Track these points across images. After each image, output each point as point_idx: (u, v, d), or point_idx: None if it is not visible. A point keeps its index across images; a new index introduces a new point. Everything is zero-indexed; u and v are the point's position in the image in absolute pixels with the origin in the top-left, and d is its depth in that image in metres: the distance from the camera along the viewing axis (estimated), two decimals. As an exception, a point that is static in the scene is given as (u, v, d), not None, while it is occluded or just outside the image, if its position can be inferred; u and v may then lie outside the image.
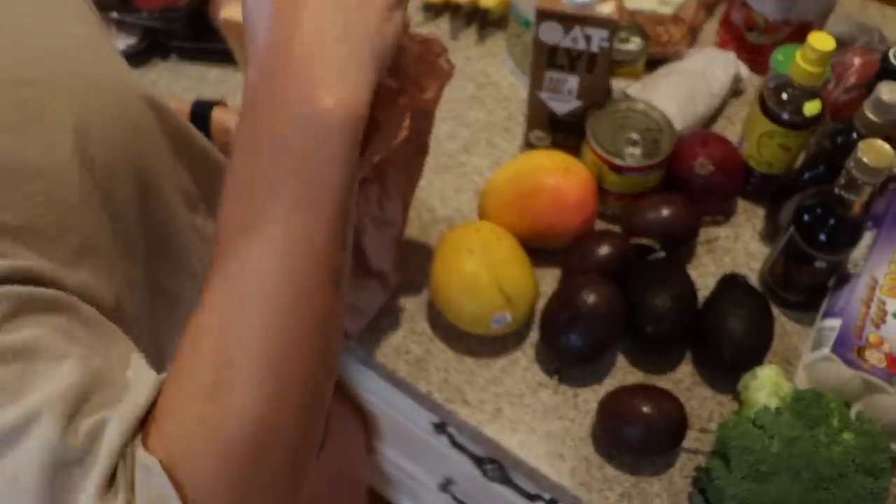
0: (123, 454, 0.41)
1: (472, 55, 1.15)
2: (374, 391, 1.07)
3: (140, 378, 0.45)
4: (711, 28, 1.18)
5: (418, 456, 1.18)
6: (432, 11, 1.20)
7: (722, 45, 1.15)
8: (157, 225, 0.63)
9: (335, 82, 0.44)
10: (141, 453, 0.41)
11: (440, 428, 0.97)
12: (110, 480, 0.40)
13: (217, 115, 0.94)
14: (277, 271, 0.44)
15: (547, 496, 0.92)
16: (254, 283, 0.44)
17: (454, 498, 1.19)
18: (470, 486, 1.12)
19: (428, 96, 0.64)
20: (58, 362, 0.42)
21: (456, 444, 0.97)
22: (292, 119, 0.44)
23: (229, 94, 1.10)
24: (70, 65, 0.56)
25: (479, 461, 0.97)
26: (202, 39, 1.16)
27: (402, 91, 0.59)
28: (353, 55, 0.45)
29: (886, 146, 0.74)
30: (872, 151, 0.73)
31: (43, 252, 0.47)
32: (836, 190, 0.78)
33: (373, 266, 0.82)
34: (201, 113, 0.93)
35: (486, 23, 1.18)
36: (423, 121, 0.73)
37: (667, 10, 1.14)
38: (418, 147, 0.76)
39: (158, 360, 0.51)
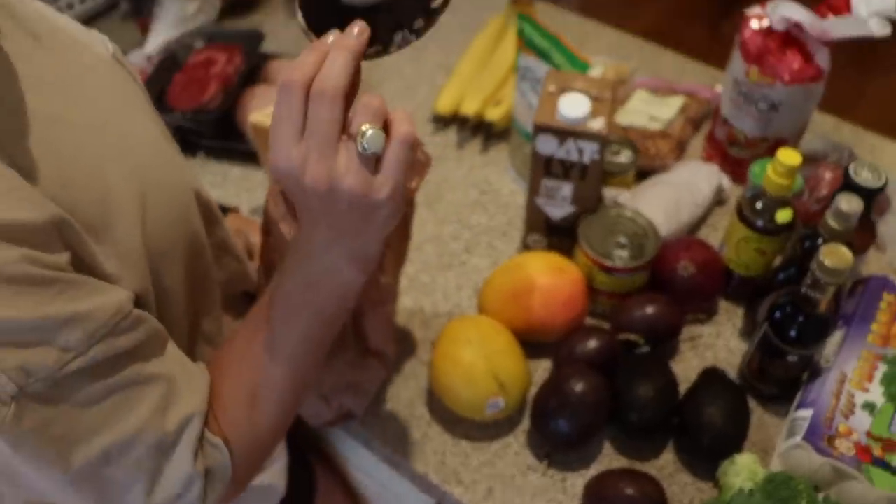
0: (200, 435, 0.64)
1: (477, 163, 1.26)
2: (370, 473, 1.12)
3: (201, 379, 0.67)
4: (698, 143, 1.29)
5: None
6: (441, 123, 1.32)
7: (707, 158, 1.25)
8: (195, 283, 0.76)
9: (360, 262, 0.64)
10: (209, 434, 0.65)
11: (437, 510, 1.02)
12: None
13: (230, 221, 1.03)
14: (302, 343, 0.68)
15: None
16: (287, 345, 0.67)
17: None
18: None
19: (412, 186, 0.73)
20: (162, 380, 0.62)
21: (452, 529, 1.03)
22: (326, 282, 0.65)
23: (251, 190, 1.21)
24: (140, 159, 0.69)
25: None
26: (228, 139, 1.27)
27: None
28: (373, 241, 0.64)
29: (845, 250, 0.82)
30: (833, 255, 0.82)
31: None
32: (804, 289, 0.86)
33: (371, 345, 0.90)
34: None
35: (490, 134, 1.29)
36: (408, 208, 0.81)
37: (656, 126, 1.25)
38: (404, 233, 0.85)
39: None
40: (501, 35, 1.42)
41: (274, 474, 0.97)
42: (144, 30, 1.43)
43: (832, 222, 0.88)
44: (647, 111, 1.28)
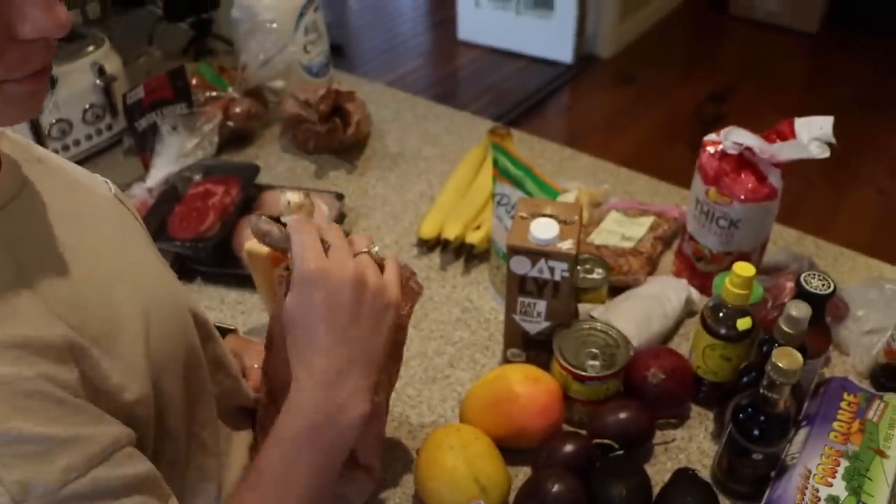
0: None
1: (459, 283, 1.36)
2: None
3: None
4: (668, 259, 1.39)
5: None
6: (425, 247, 1.42)
7: (677, 273, 1.35)
8: (193, 394, 0.82)
9: (356, 404, 0.73)
10: None
11: None
12: None
13: (229, 342, 1.11)
14: (308, 486, 0.72)
15: None
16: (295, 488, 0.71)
17: None
18: None
19: (404, 312, 0.82)
20: None
21: None
22: (324, 427, 0.72)
23: (246, 313, 1.30)
24: (143, 281, 0.78)
25: None
26: (225, 266, 1.37)
27: None
28: (365, 381, 0.73)
29: (795, 352, 0.91)
30: (785, 357, 0.90)
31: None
32: (762, 390, 0.94)
33: (360, 459, 0.97)
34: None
35: (471, 256, 1.39)
36: (400, 332, 0.90)
37: (628, 244, 1.35)
38: (396, 355, 0.93)
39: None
40: (480, 164, 1.54)
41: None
42: (146, 164, 1.56)
43: (785, 327, 0.97)
44: (620, 231, 1.39)
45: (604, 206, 1.49)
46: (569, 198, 1.45)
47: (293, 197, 1.14)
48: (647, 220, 1.41)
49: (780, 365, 0.90)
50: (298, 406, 0.72)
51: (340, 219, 1.47)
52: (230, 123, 1.66)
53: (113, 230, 0.80)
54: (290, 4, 1.79)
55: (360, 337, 0.72)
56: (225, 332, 1.12)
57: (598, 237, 1.38)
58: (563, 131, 4.09)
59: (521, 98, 4.18)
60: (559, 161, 1.66)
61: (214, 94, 1.67)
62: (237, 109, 1.66)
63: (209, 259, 1.36)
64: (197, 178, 1.51)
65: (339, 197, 1.48)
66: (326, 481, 0.75)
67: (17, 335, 0.60)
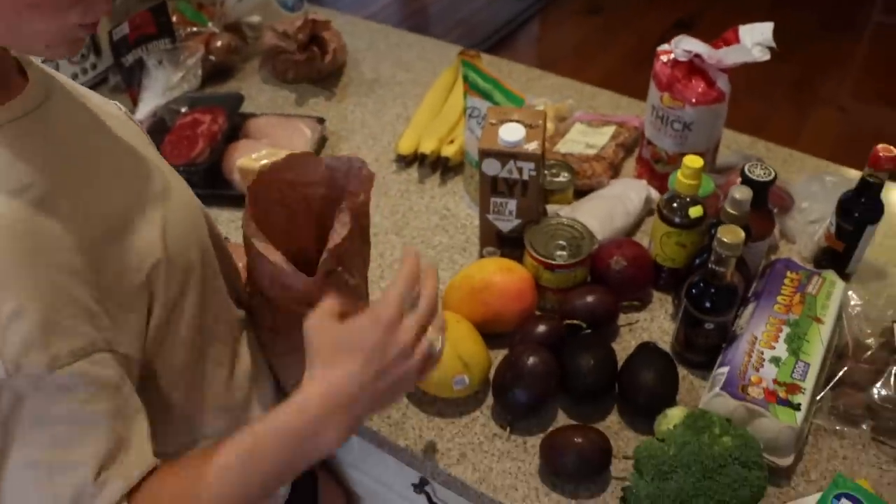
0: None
1: (436, 194, 1.46)
2: (358, 466, 1.30)
3: (143, 456, 0.76)
4: (630, 165, 1.50)
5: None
6: (403, 162, 1.53)
7: (638, 176, 1.47)
8: (208, 292, 0.92)
9: (336, 435, 0.79)
10: None
11: (419, 487, 1.20)
12: None
13: None
14: (257, 483, 0.78)
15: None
16: (249, 476, 0.77)
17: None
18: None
19: (361, 199, 0.93)
20: (104, 428, 0.72)
21: (432, 503, 1.20)
22: (305, 435, 0.78)
23: (240, 230, 1.39)
24: (162, 180, 0.89)
25: (454, 516, 1.19)
26: (216, 188, 1.46)
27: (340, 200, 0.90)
28: (353, 423, 0.80)
29: (738, 229, 1.03)
30: (728, 233, 1.02)
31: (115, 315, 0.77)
32: (710, 265, 1.06)
33: None
34: None
35: (446, 168, 1.50)
36: (364, 218, 0.99)
37: (591, 151, 1.46)
38: (364, 238, 1.03)
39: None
40: (452, 85, 1.64)
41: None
42: (134, 99, 1.64)
43: (729, 209, 1.08)
44: (584, 140, 1.50)
45: (568, 119, 1.59)
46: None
47: (243, 162, 1.24)
48: (609, 130, 1.52)
49: (725, 240, 1.02)
50: (299, 410, 0.78)
51: (322, 142, 1.57)
52: (212, 57, 1.74)
53: (130, 139, 0.90)
54: (262, -60, 1.87)
55: (373, 391, 0.79)
56: None
57: (563, 146, 1.49)
58: (534, 61, 4.17)
59: (491, 30, 4.24)
60: (526, 81, 1.76)
61: (195, 29, 1.74)
62: (218, 43, 1.74)
63: (201, 182, 1.45)
64: (184, 109, 1.60)
65: (321, 121, 1.58)
66: (283, 475, 0.84)
67: (41, 223, 0.71)
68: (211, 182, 1.46)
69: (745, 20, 1.34)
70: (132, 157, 0.89)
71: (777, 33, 1.27)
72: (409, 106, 1.69)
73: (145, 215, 0.83)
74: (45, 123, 0.77)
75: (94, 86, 1.76)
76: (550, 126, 1.54)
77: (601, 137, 1.50)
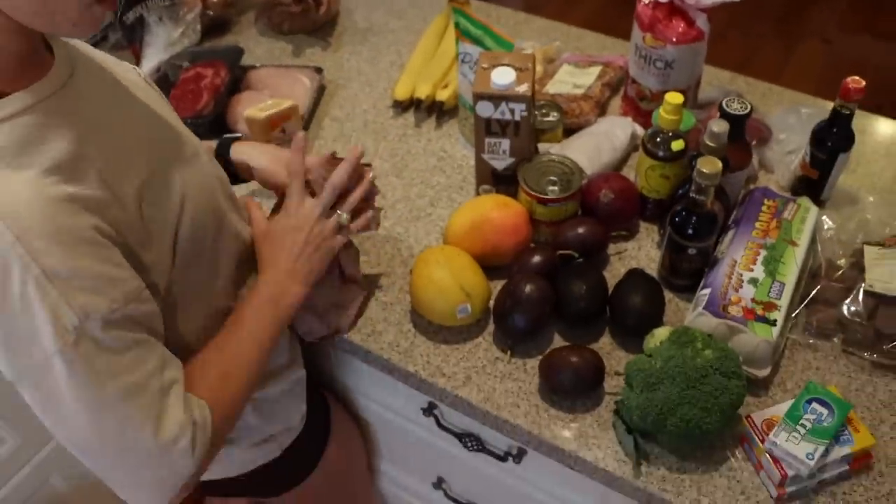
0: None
1: (433, 137, 1.54)
2: (368, 394, 1.40)
3: (176, 359, 0.92)
4: (616, 103, 1.58)
5: (412, 459, 1.50)
6: (399, 107, 1.60)
7: (624, 113, 1.54)
8: (226, 239, 1.02)
9: (300, 284, 1.07)
10: (193, 396, 0.91)
11: (427, 411, 1.30)
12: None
13: (235, 147, 1.25)
14: (262, 338, 1.03)
15: (514, 451, 1.25)
16: (252, 338, 1.02)
17: (446, 495, 1.50)
18: (457, 476, 1.43)
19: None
20: (154, 344, 0.88)
21: (441, 426, 1.30)
22: (274, 299, 1.05)
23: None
24: (183, 149, 0.99)
25: (460, 437, 1.29)
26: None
27: None
28: (300, 287, 1.08)
29: (716, 159, 1.11)
30: (707, 163, 1.11)
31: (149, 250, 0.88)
32: (691, 194, 1.15)
33: (347, 274, 1.18)
34: (225, 145, 1.25)
35: (441, 112, 1.57)
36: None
37: (579, 91, 1.54)
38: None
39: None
40: (444, 31, 1.70)
41: (297, 393, 1.24)
42: (137, 56, 1.70)
43: (708, 141, 1.17)
44: (572, 81, 1.57)
45: (556, 61, 1.66)
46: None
47: (250, 112, 1.33)
48: (596, 70, 1.59)
49: (704, 170, 1.10)
50: (258, 290, 1.05)
51: (321, 90, 1.64)
52: (209, 12, 1.79)
53: (151, 104, 0.98)
54: None
55: (308, 254, 1.09)
56: (230, 140, 1.26)
57: (552, 87, 1.56)
58: (521, 4, 4.21)
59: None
60: (514, 25, 1.82)
61: (192, -16, 1.80)
62: (214, -2, 1.80)
63: (207, 134, 1.51)
64: (185, 64, 1.66)
65: (318, 70, 1.65)
66: (269, 339, 1.04)
67: (77, 194, 0.79)
68: (217, 133, 1.52)
69: None
70: (154, 123, 0.97)
71: None
72: (402, 53, 1.75)
73: (167, 179, 0.92)
74: (72, 99, 0.85)
75: (96, 43, 1.82)
76: (539, 68, 1.61)
77: (588, 77, 1.57)
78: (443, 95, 1.55)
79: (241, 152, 1.22)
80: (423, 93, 1.55)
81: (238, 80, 1.64)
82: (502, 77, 1.22)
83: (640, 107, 1.49)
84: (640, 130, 1.47)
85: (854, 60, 3.75)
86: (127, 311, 0.82)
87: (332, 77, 1.70)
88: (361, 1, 1.94)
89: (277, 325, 1.05)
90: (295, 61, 1.76)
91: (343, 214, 1.12)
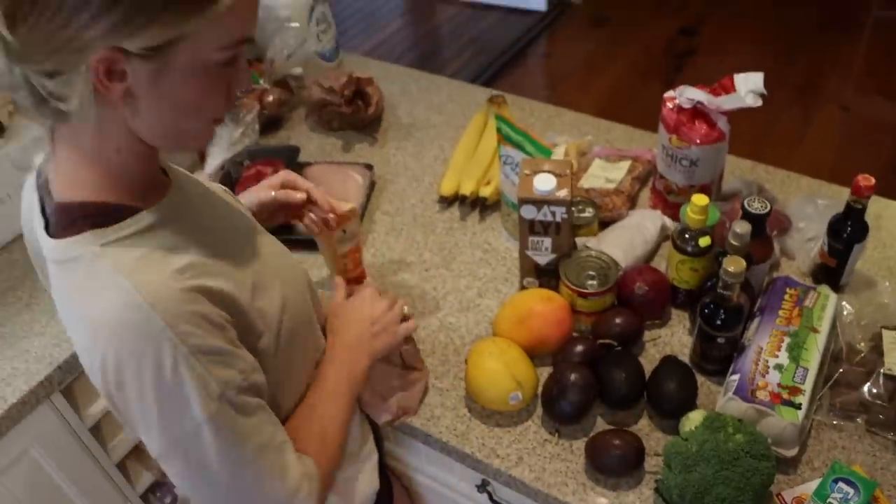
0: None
1: (478, 230, 1.68)
2: (424, 471, 1.52)
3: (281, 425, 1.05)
4: (645, 194, 1.72)
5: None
6: (445, 202, 1.75)
7: (653, 205, 1.68)
8: (314, 327, 1.21)
9: (366, 356, 1.24)
10: (299, 454, 1.05)
11: (481, 487, 1.41)
12: None
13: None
14: (344, 402, 1.18)
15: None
16: (337, 404, 1.17)
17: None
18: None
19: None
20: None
21: (494, 501, 1.42)
22: (347, 365, 1.21)
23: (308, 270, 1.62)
24: (280, 258, 1.14)
25: (512, 512, 1.41)
26: (282, 232, 1.62)
27: None
28: (375, 349, 1.25)
29: (740, 259, 1.24)
30: (732, 263, 1.24)
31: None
32: (719, 290, 1.28)
33: (406, 362, 1.33)
34: None
35: (484, 207, 1.72)
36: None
37: (611, 185, 1.68)
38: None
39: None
40: (483, 128, 1.86)
41: (369, 471, 1.36)
42: (202, 156, 1.86)
43: (732, 241, 1.30)
44: (604, 175, 1.71)
45: (588, 154, 1.81)
46: (559, 151, 1.77)
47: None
48: (625, 164, 1.73)
49: (730, 269, 1.23)
50: (333, 357, 1.21)
51: (371, 186, 1.79)
52: (265, 112, 1.96)
53: (241, 219, 1.13)
54: (302, 0, 2.09)
55: (373, 335, 1.26)
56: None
57: (586, 182, 1.71)
58: (545, 78, 4.39)
59: (501, 50, 4.46)
60: (547, 118, 1.98)
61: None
62: (270, 98, 1.97)
63: (269, 229, 1.67)
64: (246, 162, 1.82)
65: (369, 167, 1.80)
66: (351, 402, 1.20)
67: (207, 287, 0.94)
68: (277, 228, 1.67)
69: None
70: (243, 222, 1.12)
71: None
72: (445, 147, 1.91)
73: (270, 276, 1.06)
74: (186, 207, 1.00)
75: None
76: (573, 163, 1.75)
77: (618, 172, 1.71)
78: (486, 192, 1.69)
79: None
80: (467, 189, 1.70)
81: (295, 178, 1.79)
82: (544, 184, 1.36)
83: (668, 200, 1.63)
84: (668, 222, 1.61)
85: (872, 125, 3.89)
86: (251, 380, 0.96)
87: (380, 172, 1.85)
88: (403, 96, 2.11)
89: (353, 388, 1.21)
90: (345, 157, 1.91)
91: (405, 307, 1.30)
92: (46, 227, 0.95)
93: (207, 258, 0.97)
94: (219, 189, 1.19)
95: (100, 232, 0.90)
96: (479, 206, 1.73)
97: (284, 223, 1.67)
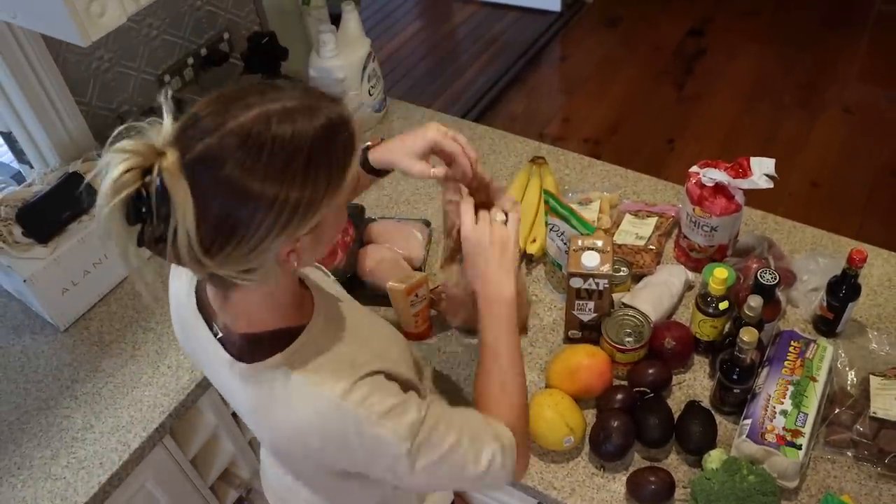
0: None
1: (525, 283, 2.01)
2: (485, 496, 1.86)
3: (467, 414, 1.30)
4: (670, 245, 2.04)
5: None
6: (496, 257, 2.07)
7: (677, 258, 2.01)
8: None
9: (506, 288, 1.36)
10: (497, 423, 1.29)
11: (539, 509, 1.76)
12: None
13: (372, 155, 1.50)
14: (513, 363, 1.37)
15: (606, 542, 1.71)
16: (506, 368, 1.36)
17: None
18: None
19: None
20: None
21: (548, 520, 1.76)
22: (499, 303, 1.36)
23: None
24: (393, 338, 1.42)
25: (563, 530, 1.76)
26: (354, 289, 1.98)
27: None
28: (510, 279, 1.37)
29: (754, 331, 1.56)
30: (747, 334, 1.56)
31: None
32: (735, 352, 1.61)
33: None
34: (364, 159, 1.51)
35: (530, 262, 2.04)
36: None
37: (640, 242, 2.00)
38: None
39: None
40: (525, 185, 2.18)
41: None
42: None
43: (748, 311, 1.62)
44: (634, 231, 2.03)
45: (619, 206, 2.13)
46: (595, 206, 2.09)
47: (391, 285, 1.78)
48: (652, 221, 2.05)
49: (745, 339, 1.56)
50: (482, 319, 1.37)
51: (430, 239, 2.11)
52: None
53: (345, 295, 1.43)
54: (355, 59, 2.39)
55: (500, 264, 1.37)
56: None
57: (618, 238, 2.03)
58: (561, 82, 4.68)
59: (518, 53, 4.74)
60: (581, 170, 2.29)
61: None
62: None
63: (345, 285, 1.98)
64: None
65: (427, 224, 2.12)
66: (514, 342, 1.37)
67: (382, 367, 1.23)
68: (351, 285, 2.00)
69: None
70: (365, 317, 1.42)
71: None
72: (490, 201, 2.22)
73: (392, 355, 1.34)
74: (329, 312, 1.28)
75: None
76: (606, 217, 2.07)
77: (647, 228, 2.03)
78: (532, 249, 2.01)
79: (381, 157, 1.50)
80: (516, 247, 2.02)
81: (362, 233, 2.11)
82: (590, 261, 1.69)
83: (691, 255, 1.96)
84: (691, 276, 1.94)
85: (874, 125, 4.18)
86: (424, 417, 1.18)
87: (435, 224, 2.17)
88: (449, 146, 2.42)
89: (510, 329, 1.36)
90: (401, 209, 2.23)
91: (499, 214, 1.41)
92: (222, 344, 1.22)
93: (357, 344, 1.25)
94: (326, 278, 1.46)
95: (287, 353, 1.16)
96: (525, 260, 2.05)
97: (356, 279, 2.00)
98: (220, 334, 1.24)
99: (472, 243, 1.37)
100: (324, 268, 1.52)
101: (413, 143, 1.42)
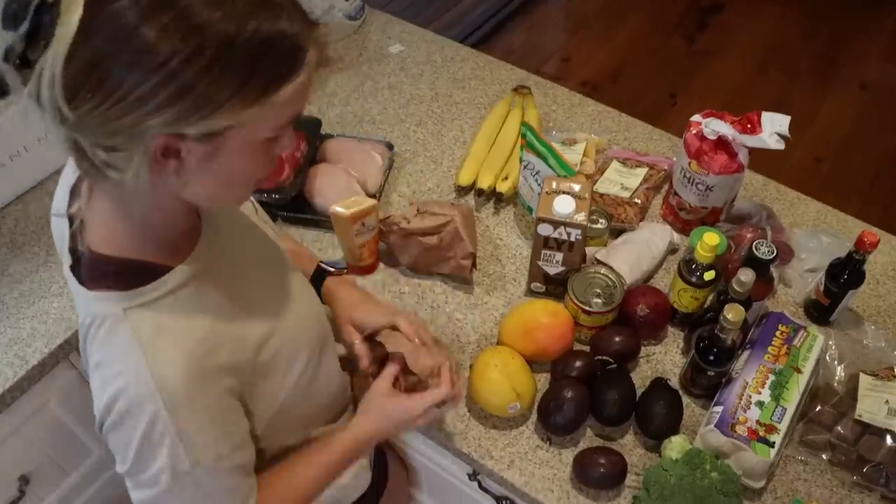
0: None
1: (491, 223, 1.83)
2: (421, 451, 1.70)
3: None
4: (657, 202, 1.86)
5: (451, 501, 1.81)
6: (462, 191, 1.88)
7: (664, 216, 1.83)
8: (324, 373, 1.30)
9: (373, 436, 1.33)
10: None
11: (472, 476, 1.60)
12: None
13: (327, 282, 1.51)
14: (318, 477, 1.26)
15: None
16: (321, 475, 1.27)
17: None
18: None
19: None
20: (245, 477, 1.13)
21: (482, 488, 1.60)
22: (361, 447, 1.33)
23: (323, 250, 1.76)
24: (286, 263, 1.25)
25: (498, 500, 1.60)
26: (300, 211, 1.82)
27: None
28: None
29: (740, 308, 1.39)
30: (732, 312, 1.39)
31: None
32: (716, 331, 1.44)
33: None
34: (319, 277, 1.51)
35: (500, 201, 1.85)
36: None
37: (626, 194, 1.82)
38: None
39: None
40: (505, 117, 1.98)
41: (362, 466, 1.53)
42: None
43: (736, 287, 1.45)
44: (620, 181, 1.85)
45: (607, 152, 1.94)
46: (579, 148, 1.90)
47: (335, 209, 1.58)
48: (642, 172, 1.87)
49: (728, 317, 1.39)
50: (350, 435, 1.29)
51: (390, 166, 1.92)
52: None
53: (276, 254, 1.25)
54: (330, -44, 2.18)
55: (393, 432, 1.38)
56: (325, 273, 1.52)
57: (601, 186, 1.84)
58: (565, 20, 4.45)
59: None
60: (570, 107, 2.10)
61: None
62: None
63: (289, 206, 1.81)
64: (268, 126, 1.93)
65: (390, 147, 1.93)
66: (337, 474, 1.31)
67: (218, 364, 1.03)
68: (297, 205, 1.81)
69: None
70: (271, 253, 1.23)
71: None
72: (465, 129, 2.03)
73: (279, 327, 1.15)
74: (217, 257, 1.08)
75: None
76: (591, 162, 1.89)
77: (634, 179, 1.85)
78: (503, 187, 1.83)
79: (330, 287, 1.48)
80: (485, 183, 1.83)
81: (316, 150, 1.91)
82: (563, 206, 1.50)
83: (680, 215, 1.78)
84: (677, 238, 1.76)
85: (889, 105, 4.01)
86: (232, 459, 1.07)
87: (399, 148, 1.98)
88: (426, 65, 2.22)
89: (351, 456, 1.32)
90: (365, 129, 2.03)
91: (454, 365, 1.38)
92: (74, 267, 1.05)
93: (226, 319, 1.06)
94: (251, 212, 1.26)
95: (124, 294, 0.98)
96: (494, 199, 1.86)
97: (302, 199, 1.81)
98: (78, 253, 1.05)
99: (380, 394, 1.34)
100: (259, 206, 1.32)
101: (369, 318, 1.42)
